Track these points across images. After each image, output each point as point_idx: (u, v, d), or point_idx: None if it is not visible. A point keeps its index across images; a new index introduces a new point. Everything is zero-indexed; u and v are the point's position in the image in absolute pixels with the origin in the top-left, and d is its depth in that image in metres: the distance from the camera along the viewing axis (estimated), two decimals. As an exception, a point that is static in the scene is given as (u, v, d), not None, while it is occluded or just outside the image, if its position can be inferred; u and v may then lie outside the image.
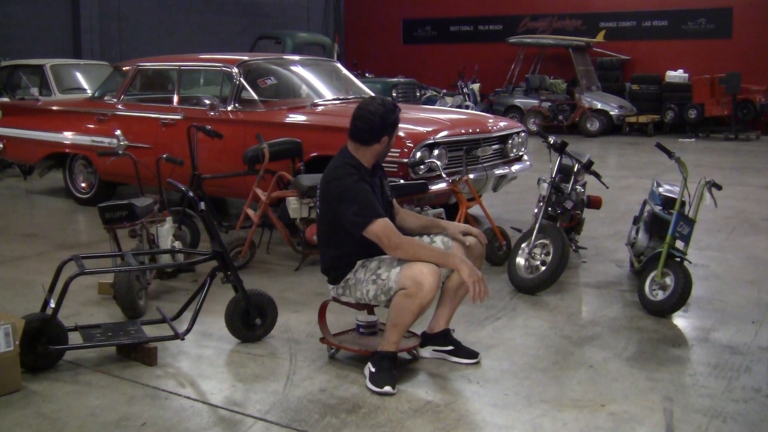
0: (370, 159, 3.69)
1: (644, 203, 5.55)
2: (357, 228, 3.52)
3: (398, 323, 3.54)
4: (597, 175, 5.74)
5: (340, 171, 3.62)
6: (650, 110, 16.86)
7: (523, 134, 7.12)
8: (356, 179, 3.56)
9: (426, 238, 3.83)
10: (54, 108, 8.74)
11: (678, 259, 4.67)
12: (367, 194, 3.54)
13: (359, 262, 3.69)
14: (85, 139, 7.93)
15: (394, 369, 3.59)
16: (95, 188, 8.16)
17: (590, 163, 5.65)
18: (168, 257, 5.16)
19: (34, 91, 10.58)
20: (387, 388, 3.50)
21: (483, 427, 3.27)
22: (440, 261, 3.52)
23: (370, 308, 3.94)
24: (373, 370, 3.59)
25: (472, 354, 3.91)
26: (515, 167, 6.92)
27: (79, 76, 11.49)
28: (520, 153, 7.10)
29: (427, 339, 3.95)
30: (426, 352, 3.96)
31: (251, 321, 4.13)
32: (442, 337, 3.92)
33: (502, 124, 7.02)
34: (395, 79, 16.01)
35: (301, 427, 3.22)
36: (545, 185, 5.48)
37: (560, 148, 5.53)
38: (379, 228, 3.48)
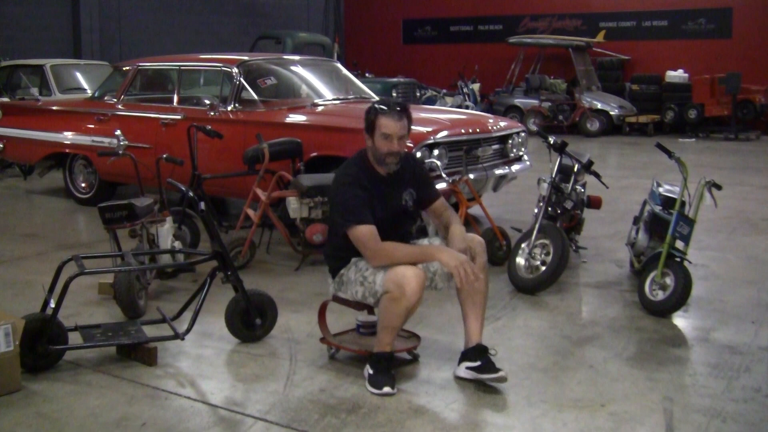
0: (374, 161, 3.66)
1: (644, 203, 5.54)
2: (340, 228, 3.59)
3: (387, 326, 3.54)
4: (597, 175, 5.74)
5: (340, 171, 3.68)
6: (650, 110, 16.85)
7: (523, 134, 7.12)
8: (348, 182, 3.57)
9: (424, 241, 3.82)
10: (54, 108, 8.73)
11: (678, 259, 4.67)
12: (353, 199, 3.53)
13: (354, 260, 3.70)
14: (85, 139, 7.93)
15: (392, 369, 3.59)
16: (95, 188, 8.16)
17: (590, 163, 5.65)
18: (168, 257, 5.15)
19: (34, 91, 10.56)
20: (386, 389, 3.49)
21: (483, 427, 3.27)
22: (419, 259, 3.50)
23: (370, 308, 3.93)
24: (371, 372, 3.59)
25: (494, 369, 3.61)
26: (515, 167, 6.92)
27: (79, 76, 11.49)
28: (520, 153, 7.10)
29: (463, 355, 3.71)
30: (461, 370, 3.68)
31: (251, 321, 4.13)
32: (473, 352, 3.66)
33: (502, 124, 7.02)
34: (395, 79, 16.00)
35: (301, 427, 3.22)
36: (545, 185, 5.48)
37: (560, 148, 5.54)
38: (359, 234, 3.49)
